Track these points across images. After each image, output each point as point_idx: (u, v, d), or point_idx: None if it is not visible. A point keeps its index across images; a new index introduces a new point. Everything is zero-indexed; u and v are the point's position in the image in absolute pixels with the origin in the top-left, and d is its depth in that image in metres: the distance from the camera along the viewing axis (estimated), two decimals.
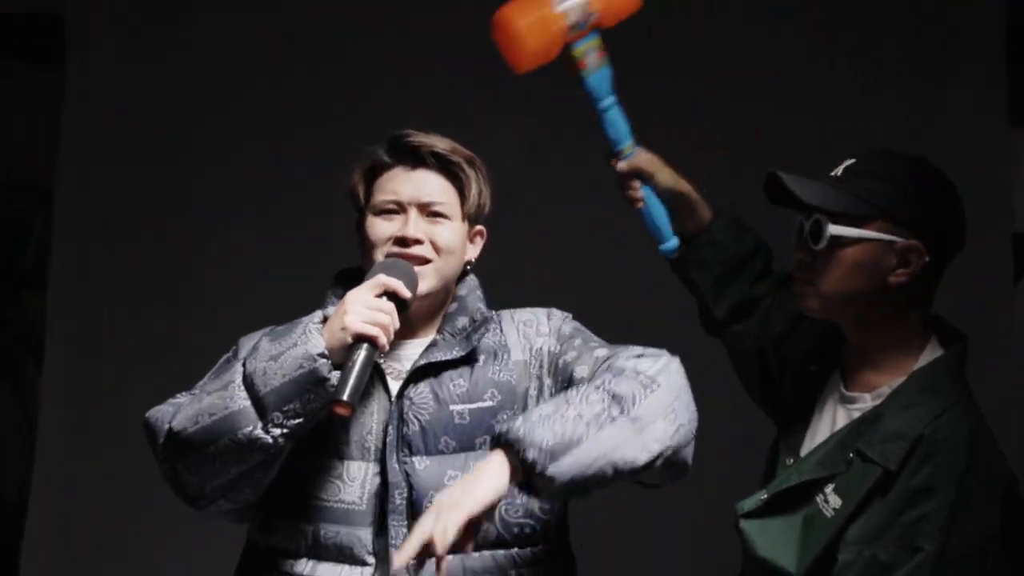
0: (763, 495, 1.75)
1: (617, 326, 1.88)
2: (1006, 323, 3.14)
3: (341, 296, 1.74)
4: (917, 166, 1.73)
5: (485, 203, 1.80)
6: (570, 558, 1.80)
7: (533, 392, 1.76)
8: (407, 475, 1.66)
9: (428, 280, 1.73)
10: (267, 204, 3.21)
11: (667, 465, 1.60)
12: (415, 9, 3.23)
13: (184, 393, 1.72)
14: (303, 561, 1.66)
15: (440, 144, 1.76)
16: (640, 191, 1.96)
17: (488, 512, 1.50)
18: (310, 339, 1.57)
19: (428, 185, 1.75)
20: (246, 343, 1.76)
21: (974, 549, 1.57)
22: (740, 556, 1.81)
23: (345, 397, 1.53)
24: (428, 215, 1.74)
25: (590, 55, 1.91)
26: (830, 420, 1.77)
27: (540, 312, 1.84)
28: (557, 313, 1.85)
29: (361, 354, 1.57)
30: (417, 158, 1.75)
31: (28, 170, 4.19)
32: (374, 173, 1.78)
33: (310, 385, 1.56)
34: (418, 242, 1.71)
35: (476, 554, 1.65)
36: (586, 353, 1.75)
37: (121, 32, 3.27)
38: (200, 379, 1.79)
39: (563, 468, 1.49)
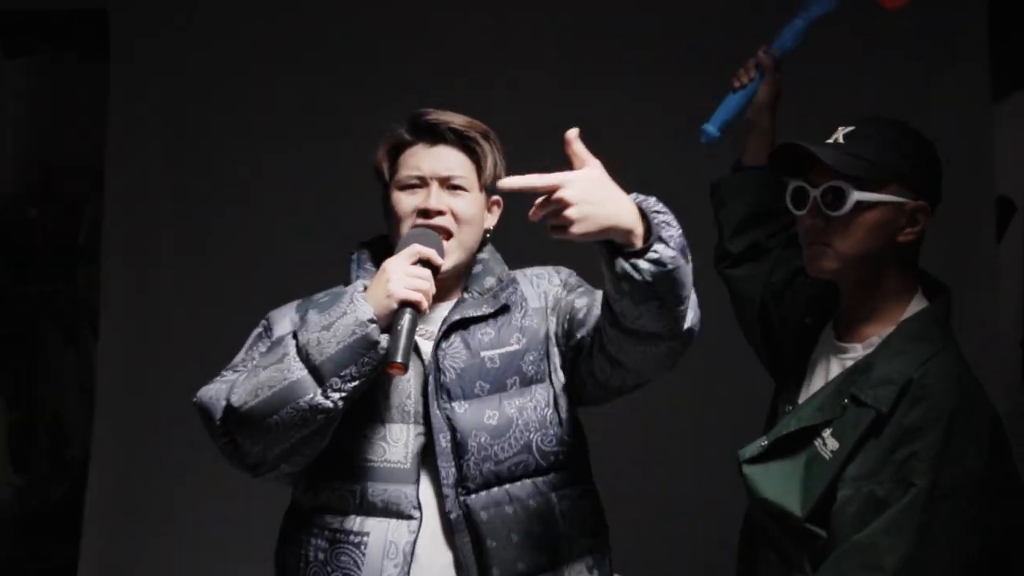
0: (763, 441, 1.76)
1: None
2: (992, 278, 3.14)
3: (368, 263, 1.76)
4: (908, 130, 1.73)
5: (500, 174, 1.79)
6: (593, 485, 1.82)
7: (551, 333, 1.77)
8: (448, 419, 1.67)
9: (453, 255, 1.74)
10: (298, 181, 3.21)
11: (686, 337, 1.61)
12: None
13: (228, 371, 1.72)
14: (352, 518, 1.66)
15: (457, 120, 1.76)
16: (749, 79, 1.99)
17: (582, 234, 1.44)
18: (359, 307, 1.57)
19: (447, 160, 1.75)
20: (276, 317, 1.77)
21: (963, 483, 1.57)
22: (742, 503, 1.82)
23: (399, 359, 1.55)
24: (448, 188, 1.74)
25: None
26: (825, 370, 1.77)
27: (549, 268, 1.86)
28: (564, 269, 1.87)
29: (406, 317, 1.58)
30: (436, 134, 1.75)
31: (80, 154, 4.21)
32: (398, 150, 1.77)
33: (363, 349, 1.57)
34: (440, 213, 1.71)
35: (519, 482, 1.68)
36: (587, 294, 1.78)
37: (161, 24, 3.28)
38: (235, 352, 1.79)
39: (666, 259, 1.47)
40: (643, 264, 1.45)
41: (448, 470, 1.65)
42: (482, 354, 1.71)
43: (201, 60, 3.27)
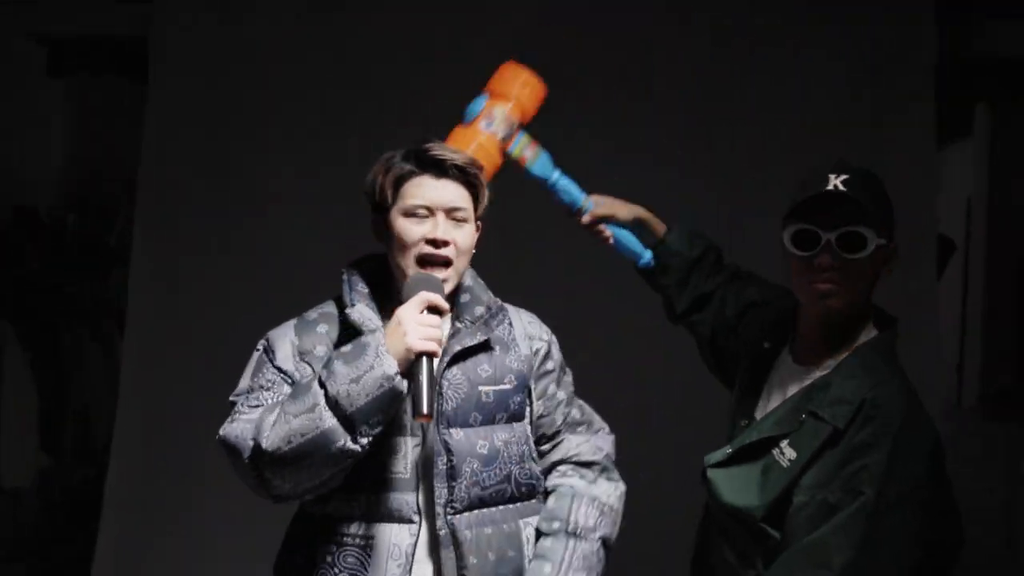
0: (728, 449, 1.77)
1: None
2: (932, 310, 3.17)
3: (360, 284, 1.73)
4: (878, 178, 1.74)
5: (487, 204, 1.79)
6: None
7: (531, 392, 1.82)
8: (446, 443, 1.68)
9: (450, 282, 1.73)
10: (323, 191, 3.19)
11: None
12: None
13: (242, 404, 1.68)
14: (357, 524, 1.67)
15: (460, 158, 1.74)
16: (607, 230, 2.00)
17: None
18: (384, 361, 1.57)
19: (452, 193, 1.72)
20: (276, 339, 1.74)
21: (906, 493, 1.59)
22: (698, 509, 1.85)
23: (425, 410, 1.57)
24: (452, 219, 1.72)
25: (526, 151, 1.96)
26: (781, 389, 1.78)
27: (539, 325, 1.87)
28: (551, 337, 1.87)
29: (424, 367, 1.59)
30: (442, 169, 1.72)
31: (115, 164, 4.22)
32: (402, 180, 1.73)
33: (390, 400, 1.59)
34: (446, 243, 1.70)
35: (497, 507, 1.72)
36: (560, 405, 1.85)
37: (195, 51, 3.28)
38: (245, 359, 1.77)
39: None
40: None
41: (441, 490, 1.67)
42: (479, 388, 1.72)
43: (230, 81, 3.27)
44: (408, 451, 1.67)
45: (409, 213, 1.71)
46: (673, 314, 2.07)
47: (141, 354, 3.27)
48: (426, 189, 1.71)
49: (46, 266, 4.24)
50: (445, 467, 1.67)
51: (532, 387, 1.81)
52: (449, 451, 1.68)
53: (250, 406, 1.66)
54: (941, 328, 3.30)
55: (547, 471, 1.85)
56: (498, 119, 1.91)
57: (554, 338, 1.88)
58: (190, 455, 3.07)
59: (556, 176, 1.99)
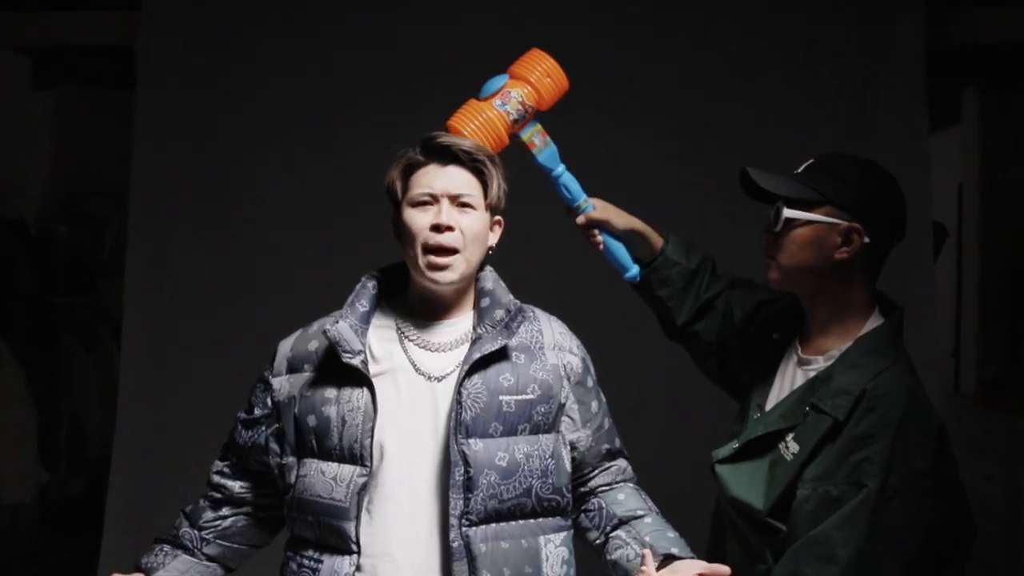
0: (735, 444, 1.77)
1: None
2: (928, 296, 3.18)
3: (364, 300, 1.72)
4: (865, 166, 1.75)
5: (502, 196, 1.75)
6: (571, 535, 1.78)
7: (563, 400, 1.75)
8: (464, 455, 1.63)
9: (459, 268, 1.69)
10: (315, 201, 3.20)
11: None
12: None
13: (232, 437, 1.77)
14: (312, 549, 1.68)
15: (466, 144, 1.72)
16: (599, 236, 1.98)
17: None
18: None
19: (457, 179, 1.70)
20: (274, 375, 1.74)
21: (909, 485, 1.58)
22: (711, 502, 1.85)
23: None
24: (458, 205, 1.69)
25: (536, 138, 1.95)
26: (789, 380, 1.78)
27: (571, 337, 1.82)
28: (583, 353, 1.82)
29: None
30: (448, 156, 1.70)
31: (105, 176, 4.20)
32: (410, 171, 1.72)
33: None
34: (450, 228, 1.67)
35: (515, 522, 1.67)
36: (597, 432, 1.81)
37: (183, 59, 3.27)
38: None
39: None
40: None
41: (457, 502, 1.62)
42: (500, 397, 1.67)
43: (220, 91, 3.26)
44: (352, 479, 1.64)
45: (415, 203, 1.69)
46: (673, 327, 2.04)
47: (139, 366, 3.27)
48: (431, 177, 1.70)
49: (37, 279, 4.21)
50: (462, 478, 1.62)
51: (565, 404, 1.75)
52: (467, 462, 1.63)
53: (226, 451, 1.79)
54: (937, 314, 3.30)
55: (587, 494, 1.82)
56: (514, 101, 1.89)
57: (587, 354, 1.82)
58: (189, 465, 3.03)
59: (560, 170, 1.97)
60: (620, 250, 1.99)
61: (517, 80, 1.91)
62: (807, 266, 1.71)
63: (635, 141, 3.13)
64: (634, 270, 1.99)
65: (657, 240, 2.01)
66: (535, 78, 1.91)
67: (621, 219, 1.99)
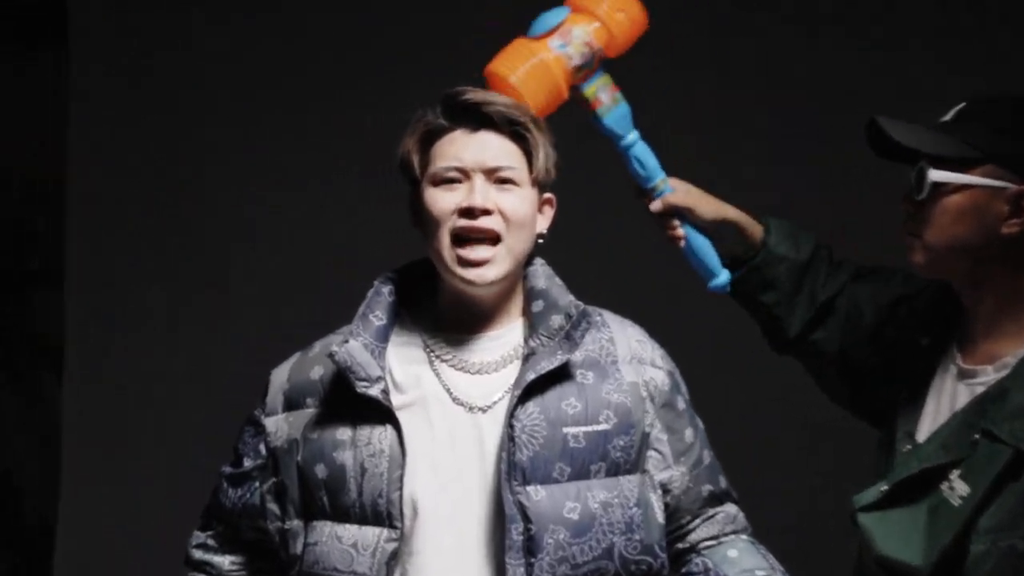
0: (883, 486, 1.59)
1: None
2: None
3: (379, 310, 1.56)
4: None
5: (552, 167, 1.58)
6: None
7: (647, 428, 1.59)
8: (522, 506, 1.48)
9: (502, 264, 1.52)
10: (279, 190, 3.06)
11: None
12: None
13: (216, 497, 1.65)
14: None
15: (501, 101, 1.56)
16: (679, 228, 1.81)
17: None
18: None
19: (494, 148, 1.54)
20: (268, 415, 1.61)
21: None
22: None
23: None
24: (496, 182, 1.53)
25: (602, 92, 1.75)
26: (949, 399, 1.61)
27: (649, 340, 1.66)
28: (671, 366, 1.66)
29: None
30: (479, 118, 1.54)
31: (31, 166, 3.86)
32: (431, 139, 1.56)
33: None
34: (486, 212, 1.51)
35: None
36: (695, 469, 1.63)
37: (124, 17, 3.11)
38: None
39: None
40: None
41: (516, 569, 1.47)
42: (564, 430, 1.52)
43: (169, 65, 3.11)
44: (379, 546, 1.50)
45: (439, 180, 1.54)
46: (782, 339, 1.87)
47: (88, 406, 3.09)
48: (459, 147, 1.54)
49: None
50: (521, 538, 1.47)
51: (650, 434, 1.59)
52: (526, 517, 1.47)
53: (208, 517, 1.66)
54: None
55: (687, 552, 1.66)
56: (577, 41, 1.68)
57: (675, 367, 1.67)
58: (163, 538, 2.87)
59: (633, 137, 1.78)
60: (706, 248, 1.81)
61: (581, 14, 1.72)
62: (963, 244, 1.56)
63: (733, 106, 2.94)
64: (723, 277, 1.81)
65: (756, 231, 1.84)
66: (604, 12, 1.72)
67: (711, 207, 1.81)
